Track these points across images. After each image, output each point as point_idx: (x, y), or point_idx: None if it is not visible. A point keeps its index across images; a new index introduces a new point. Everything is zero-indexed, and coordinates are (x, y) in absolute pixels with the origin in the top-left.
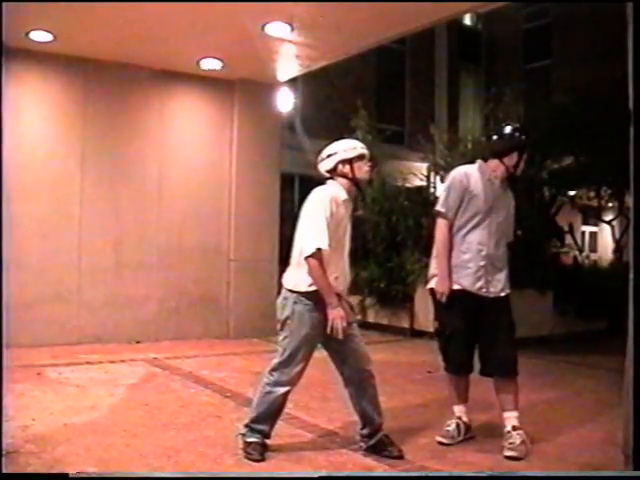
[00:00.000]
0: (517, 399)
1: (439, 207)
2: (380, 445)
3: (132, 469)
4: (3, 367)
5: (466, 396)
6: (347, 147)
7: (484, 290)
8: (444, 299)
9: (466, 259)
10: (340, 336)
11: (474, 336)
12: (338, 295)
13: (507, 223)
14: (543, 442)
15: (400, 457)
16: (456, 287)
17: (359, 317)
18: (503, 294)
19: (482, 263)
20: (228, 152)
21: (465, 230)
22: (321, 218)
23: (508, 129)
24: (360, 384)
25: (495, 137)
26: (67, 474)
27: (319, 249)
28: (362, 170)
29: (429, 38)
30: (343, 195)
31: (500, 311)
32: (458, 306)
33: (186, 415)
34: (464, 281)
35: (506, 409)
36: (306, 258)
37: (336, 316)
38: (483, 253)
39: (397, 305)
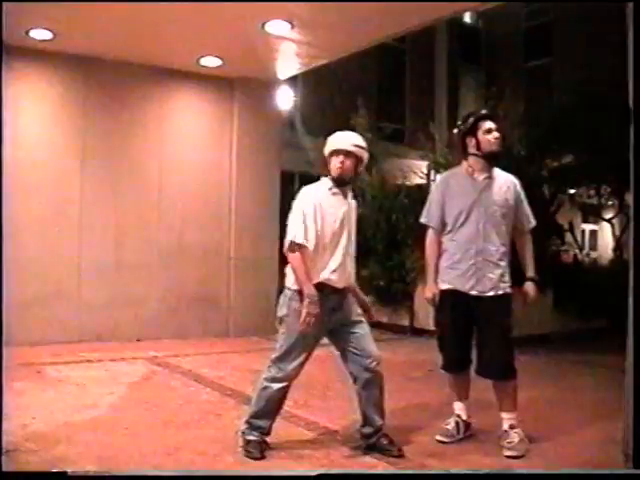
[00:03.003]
0: (515, 400)
1: (422, 218)
2: (380, 444)
3: (132, 467)
4: (3, 366)
5: (466, 394)
6: (328, 142)
7: (475, 289)
8: (431, 304)
9: (456, 260)
10: (306, 331)
11: (468, 335)
12: (335, 289)
13: (503, 211)
14: (543, 441)
15: (400, 456)
16: (447, 287)
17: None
18: (492, 293)
19: (472, 261)
20: (228, 151)
21: (453, 231)
22: (298, 213)
23: (455, 129)
24: (365, 383)
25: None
26: (67, 472)
27: (294, 242)
28: (332, 166)
29: (429, 36)
30: (333, 189)
31: (494, 311)
32: (449, 305)
33: (186, 413)
34: (455, 282)
35: (503, 410)
36: (285, 252)
37: (307, 311)
38: (472, 251)
39: (397, 303)
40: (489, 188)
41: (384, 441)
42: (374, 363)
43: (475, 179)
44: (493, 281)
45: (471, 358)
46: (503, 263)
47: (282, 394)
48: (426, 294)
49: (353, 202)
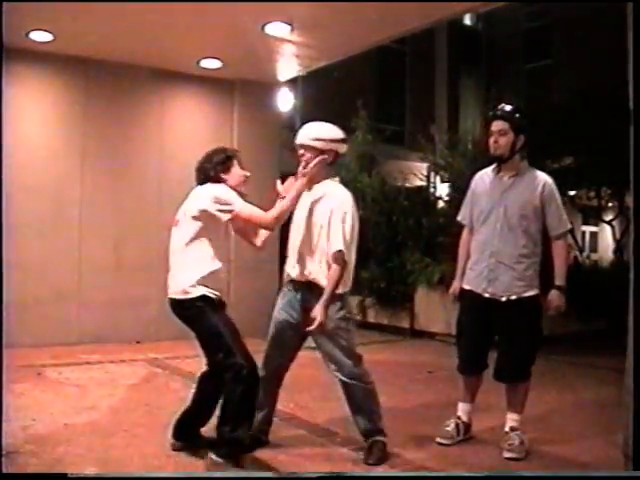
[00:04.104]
0: (523, 403)
1: (458, 216)
2: (369, 449)
3: (132, 469)
4: (3, 367)
5: (472, 397)
6: None
7: (487, 291)
8: (452, 301)
9: (474, 260)
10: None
11: (484, 339)
12: (300, 283)
13: (522, 213)
14: (543, 442)
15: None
16: (467, 287)
17: (358, 317)
18: (505, 297)
19: (485, 263)
20: None
21: (475, 231)
22: None
23: None
24: (343, 390)
25: None
26: (67, 474)
27: None
28: None
29: (429, 38)
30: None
31: (509, 315)
32: (468, 306)
33: None
34: (473, 282)
35: (509, 410)
36: None
37: None
38: (487, 252)
39: (397, 305)
40: (513, 188)
41: (374, 449)
42: (344, 377)
43: (501, 178)
44: (506, 284)
45: (487, 363)
46: (520, 266)
47: (264, 385)
48: (450, 290)
49: (327, 192)
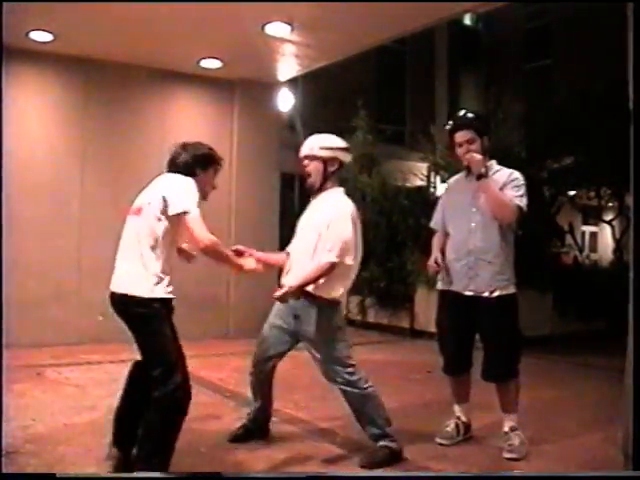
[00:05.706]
0: (516, 402)
1: (430, 223)
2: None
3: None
4: (3, 367)
5: (466, 397)
6: None
7: (468, 289)
8: (431, 272)
9: (452, 259)
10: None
11: (467, 338)
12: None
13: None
14: (543, 442)
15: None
16: (446, 287)
17: (358, 317)
18: (487, 294)
19: (464, 261)
20: (228, 152)
21: (450, 234)
22: None
23: None
24: (340, 393)
25: None
26: (55, 474)
27: None
28: None
29: (429, 38)
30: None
31: (492, 312)
32: (449, 306)
33: None
34: (452, 281)
35: (504, 411)
36: None
37: None
38: (464, 250)
39: (397, 305)
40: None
41: (375, 454)
42: (340, 385)
43: (470, 181)
44: (486, 280)
45: (471, 361)
46: (499, 261)
47: (252, 378)
48: (429, 262)
49: (329, 202)
